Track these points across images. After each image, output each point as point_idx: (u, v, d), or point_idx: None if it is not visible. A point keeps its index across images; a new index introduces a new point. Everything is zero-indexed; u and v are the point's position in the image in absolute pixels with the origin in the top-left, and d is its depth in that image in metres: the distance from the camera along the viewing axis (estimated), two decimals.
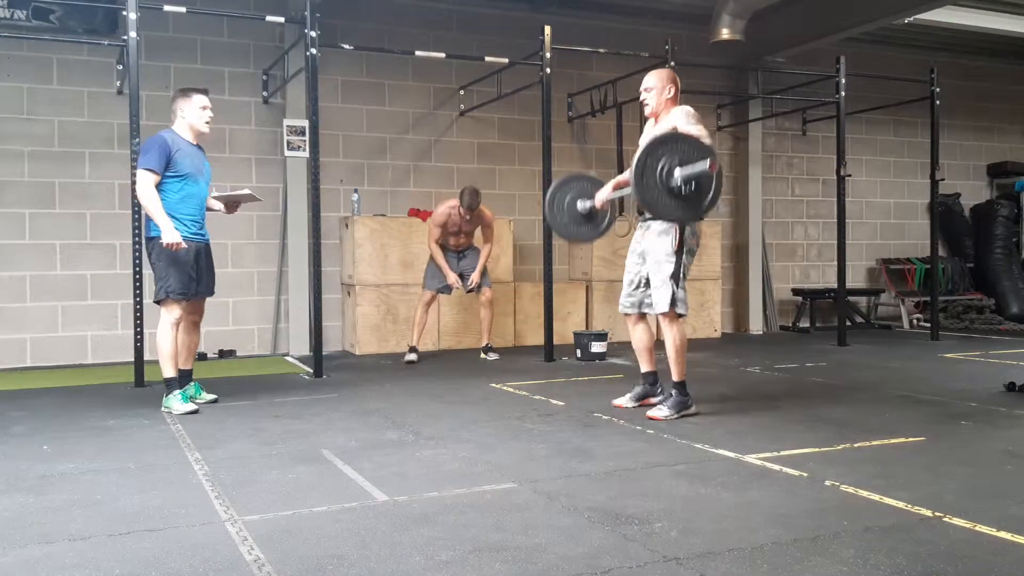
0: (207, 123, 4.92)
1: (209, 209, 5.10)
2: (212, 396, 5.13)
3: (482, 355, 7.10)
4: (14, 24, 6.88)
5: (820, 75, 8.68)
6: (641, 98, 4.70)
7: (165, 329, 4.80)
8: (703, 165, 4.07)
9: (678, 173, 4.10)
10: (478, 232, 7.19)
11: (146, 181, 4.68)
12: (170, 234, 4.63)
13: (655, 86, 4.58)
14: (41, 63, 7.05)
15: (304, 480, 3.33)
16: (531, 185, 8.59)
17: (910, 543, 2.55)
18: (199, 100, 4.89)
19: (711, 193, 4.23)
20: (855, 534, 2.63)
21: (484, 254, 7.07)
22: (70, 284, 7.16)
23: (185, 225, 4.80)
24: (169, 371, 4.84)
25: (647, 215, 4.59)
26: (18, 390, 5.77)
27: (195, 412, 4.75)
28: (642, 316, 4.75)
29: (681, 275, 4.50)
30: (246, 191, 5.30)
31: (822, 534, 2.63)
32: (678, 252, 4.47)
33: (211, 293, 5.09)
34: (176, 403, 4.79)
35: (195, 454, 3.77)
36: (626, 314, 4.80)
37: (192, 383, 5.10)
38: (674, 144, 4.17)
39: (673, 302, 4.47)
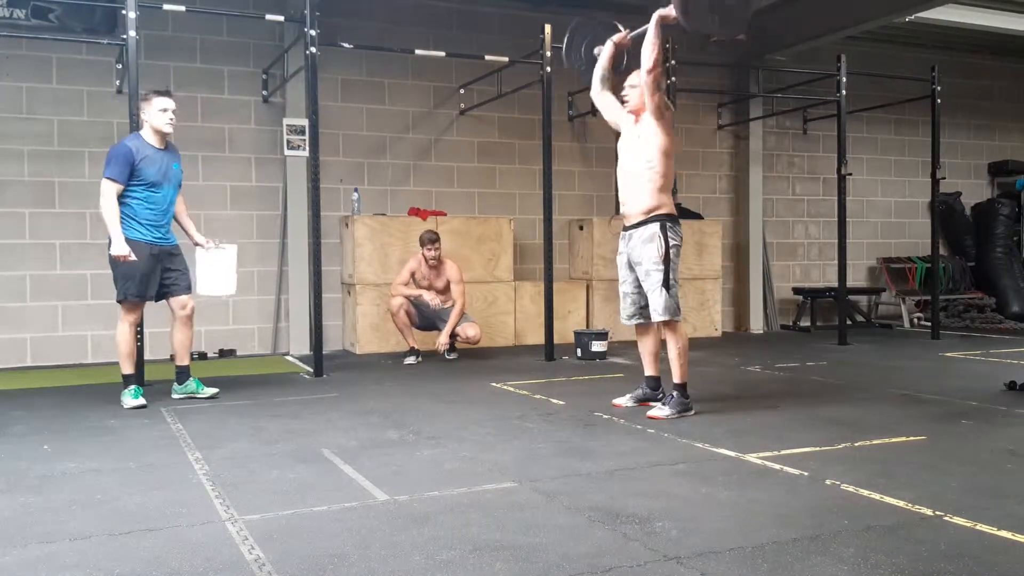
0: (168, 123, 5.01)
1: (178, 221, 5.22)
2: (214, 390, 5.26)
3: (440, 345, 6.98)
4: (13, 23, 6.88)
5: (821, 74, 8.68)
6: (623, 93, 4.71)
7: (122, 328, 4.99)
8: None
9: None
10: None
11: (107, 191, 4.83)
12: (118, 247, 4.78)
13: (639, 85, 4.60)
14: (40, 62, 7.05)
15: (304, 480, 3.33)
16: (531, 184, 8.58)
17: (911, 542, 2.54)
18: (159, 102, 4.98)
19: (748, 5, 4.21)
20: (856, 533, 2.63)
21: (454, 316, 6.87)
22: (70, 284, 7.15)
23: (147, 230, 4.93)
24: (126, 368, 5.00)
25: (628, 224, 4.62)
26: (18, 390, 5.76)
27: (143, 407, 4.87)
28: (647, 324, 4.75)
29: (672, 281, 4.50)
30: (231, 250, 5.37)
31: (823, 533, 2.63)
32: (665, 259, 4.48)
33: (189, 291, 5.18)
34: (127, 398, 4.93)
35: (195, 454, 3.77)
36: (633, 326, 4.83)
37: (192, 379, 5.23)
38: None
39: (667, 309, 4.49)
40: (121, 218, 4.83)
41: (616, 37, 4.77)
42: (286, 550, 2.52)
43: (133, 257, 4.79)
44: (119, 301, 4.98)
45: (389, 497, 3.06)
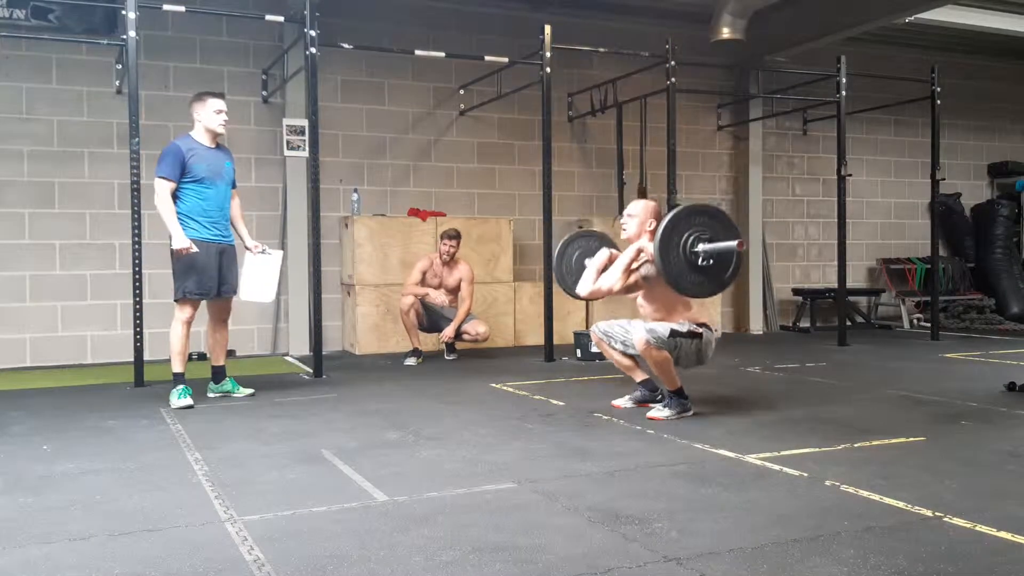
0: (222, 125, 5.07)
1: (234, 225, 5.25)
2: (250, 391, 5.31)
3: (443, 344, 7.12)
4: (13, 24, 6.88)
5: (821, 74, 8.67)
6: (622, 221, 4.74)
7: (176, 327, 4.99)
8: (731, 245, 4.19)
9: (702, 248, 4.18)
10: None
11: (160, 189, 4.87)
12: (179, 240, 4.81)
13: (638, 215, 4.64)
14: (40, 63, 7.05)
15: (304, 480, 3.33)
16: (531, 185, 8.58)
17: (910, 543, 2.54)
18: (213, 104, 5.04)
19: (731, 269, 4.30)
20: (855, 534, 2.63)
21: (460, 313, 6.89)
22: (70, 284, 7.15)
23: (204, 227, 4.97)
24: (177, 367, 4.99)
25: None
26: (18, 390, 5.76)
27: (190, 407, 4.86)
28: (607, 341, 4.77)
29: (677, 340, 4.43)
30: (276, 257, 5.38)
31: (822, 534, 2.63)
32: (691, 333, 4.47)
33: (235, 292, 5.22)
34: (173, 398, 4.93)
35: (195, 454, 3.77)
36: (597, 339, 4.81)
37: (228, 379, 5.30)
38: (697, 219, 4.25)
39: (657, 339, 4.40)
40: (180, 218, 4.87)
41: (612, 252, 4.75)
42: (285, 551, 2.52)
43: (195, 249, 4.83)
44: (176, 300, 4.98)
45: (389, 498, 3.06)
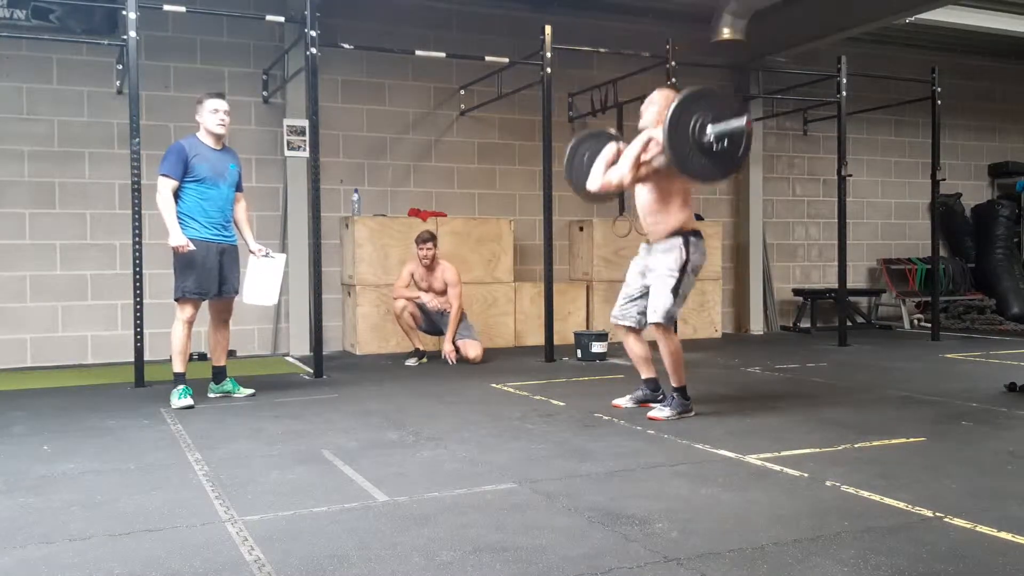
0: (219, 124, 5.07)
1: (239, 228, 5.26)
2: (250, 391, 5.33)
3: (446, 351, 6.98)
4: (14, 24, 6.88)
5: (821, 75, 8.67)
6: (642, 108, 4.64)
7: (177, 327, 5.01)
8: (739, 122, 4.07)
9: (711, 130, 4.09)
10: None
11: (161, 187, 4.91)
12: (175, 238, 4.83)
13: (658, 103, 4.52)
14: (41, 63, 7.05)
15: (304, 480, 3.33)
16: (531, 185, 8.58)
17: (911, 543, 2.54)
18: (210, 104, 5.06)
19: (741, 151, 4.20)
20: (856, 534, 2.63)
21: (452, 324, 6.84)
22: (70, 284, 7.15)
23: (204, 227, 4.99)
24: (178, 367, 5.01)
25: (652, 240, 4.59)
26: (18, 390, 5.76)
27: (190, 408, 4.88)
28: (633, 328, 4.74)
29: (680, 292, 4.49)
30: (279, 260, 5.43)
31: (823, 534, 2.63)
32: (681, 269, 4.47)
33: (236, 292, 5.23)
34: (174, 398, 4.95)
35: (195, 454, 3.77)
36: (616, 324, 4.82)
37: (228, 379, 5.32)
38: (705, 101, 4.16)
39: (665, 313, 4.46)
40: (181, 217, 4.90)
41: (620, 145, 4.68)
42: (286, 551, 2.52)
43: (191, 247, 4.85)
44: (176, 299, 5.01)
45: (389, 498, 3.06)
